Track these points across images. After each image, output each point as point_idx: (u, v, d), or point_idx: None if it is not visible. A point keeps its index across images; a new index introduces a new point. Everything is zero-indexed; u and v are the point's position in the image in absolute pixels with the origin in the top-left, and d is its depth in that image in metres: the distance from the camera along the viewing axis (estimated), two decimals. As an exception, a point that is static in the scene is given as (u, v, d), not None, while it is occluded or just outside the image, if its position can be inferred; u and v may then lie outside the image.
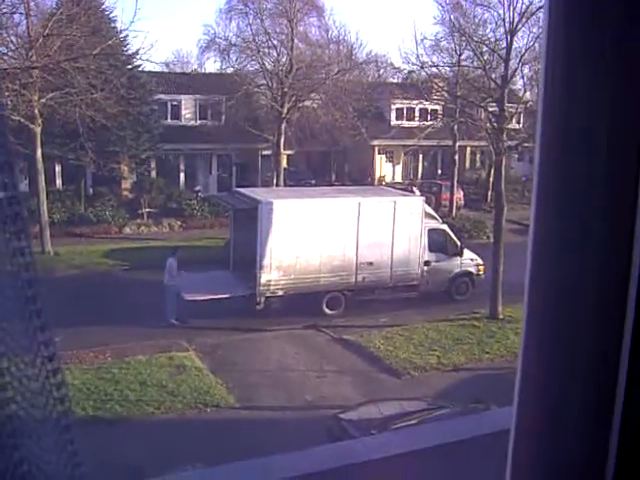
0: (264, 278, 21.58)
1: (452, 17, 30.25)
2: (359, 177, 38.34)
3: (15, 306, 0.82)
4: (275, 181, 33.79)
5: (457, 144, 37.97)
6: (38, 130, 26.88)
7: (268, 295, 21.65)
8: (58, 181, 33.85)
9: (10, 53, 26.65)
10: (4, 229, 0.80)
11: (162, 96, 35.90)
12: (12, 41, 26.61)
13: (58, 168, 33.50)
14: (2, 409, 0.79)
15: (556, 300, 0.97)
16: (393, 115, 42.07)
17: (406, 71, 37.58)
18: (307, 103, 37.30)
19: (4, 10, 25.48)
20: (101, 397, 15.62)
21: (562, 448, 0.99)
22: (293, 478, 2.27)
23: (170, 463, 10.56)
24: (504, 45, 24.65)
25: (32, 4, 26.87)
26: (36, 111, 26.66)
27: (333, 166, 42.11)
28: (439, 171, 44.11)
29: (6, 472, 0.78)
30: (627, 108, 0.91)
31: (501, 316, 21.37)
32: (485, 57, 26.38)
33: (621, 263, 0.92)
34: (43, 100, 26.45)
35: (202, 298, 20.67)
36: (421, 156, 43.86)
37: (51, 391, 0.86)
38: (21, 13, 26.43)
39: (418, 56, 28.80)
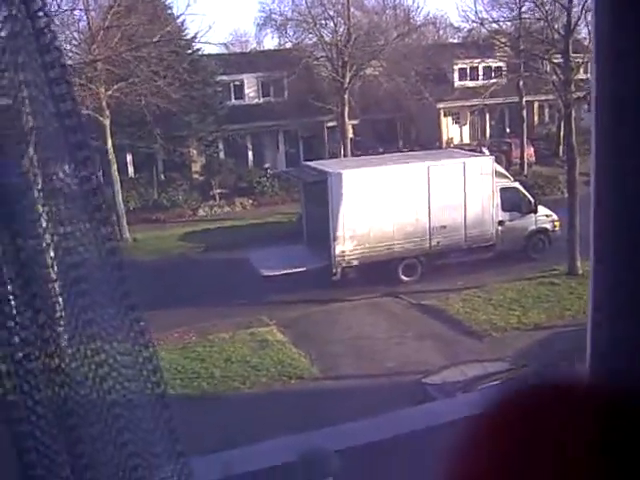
0: (338, 249, 21.67)
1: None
2: (427, 141, 37.90)
3: (106, 288, 0.87)
4: (342, 152, 33.71)
5: (524, 100, 37.18)
6: (107, 122, 27.42)
7: (344, 265, 21.74)
8: (130, 170, 34.48)
9: (74, 49, 27.20)
10: (92, 218, 0.85)
11: (224, 77, 36.06)
12: (75, 37, 27.16)
13: (129, 157, 34.12)
14: (101, 384, 0.84)
15: (620, 252, 0.97)
16: (456, 76, 41.37)
17: (466, 30, 36.98)
18: (368, 71, 37.00)
19: (64, 8, 25.99)
20: (188, 375, 16.01)
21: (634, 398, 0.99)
22: (381, 440, 2.30)
23: (260, 434, 10.76)
24: (565, -6, 23.97)
25: (90, -1, 27.35)
26: (103, 103, 27.19)
27: (400, 132, 41.73)
28: (507, 129, 43.26)
29: (108, 443, 0.84)
30: None
31: (580, 271, 20.91)
32: (546, 7, 25.75)
33: None
34: (109, 92, 26.97)
35: (279, 273, 20.89)
36: (488, 115, 43.06)
37: (148, 376, 0.91)
38: (80, 9, 26.94)
39: (477, 13, 28.48)
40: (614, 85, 0.95)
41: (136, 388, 0.89)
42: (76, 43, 27.16)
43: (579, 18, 23.73)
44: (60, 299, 0.85)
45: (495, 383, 11.70)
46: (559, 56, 24.29)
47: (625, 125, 0.94)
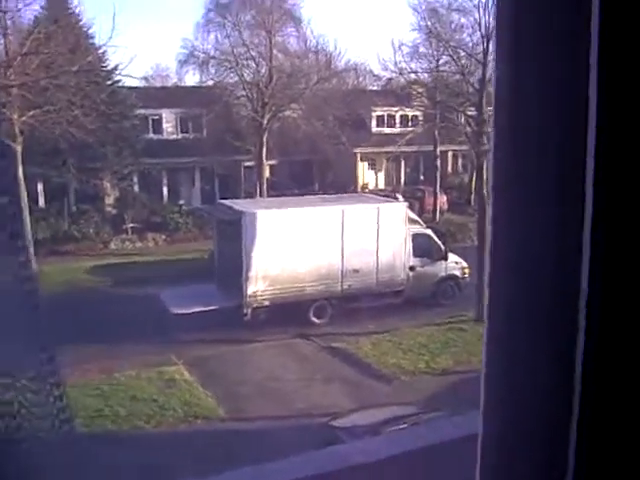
0: (250, 289, 21.59)
1: (428, 23, 30.50)
2: (342, 185, 38.33)
3: (19, 316, 0.86)
4: (258, 192, 33.79)
5: (438, 149, 38.13)
6: (19, 148, 26.75)
7: (255, 306, 21.65)
8: (41, 199, 33.66)
9: (-12, 72, 26.55)
10: (10, 245, 0.84)
11: (143, 111, 35.79)
12: (-11, 60, 26.52)
13: (40, 186, 33.32)
14: (10, 422, 0.82)
15: (514, 303, 1.01)
16: (374, 122, 42.16)
17: (385, 78, 37.75)
18: (288, 113, 37.37)
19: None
20: (90, 414, 15.55)
21: (526, 443, 1.02)
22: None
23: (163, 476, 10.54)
24: (481, 49, 24.84)
25: (9, 22, 26.79)
26: (16, 129, 26.54)
27: (316, 175, 42.11)
28: (422, 177, 44.19)
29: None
30: (573, 105, 0.94)
31: (488, 318, 21.37)
32: (462, 62, 26.59)
33: (572, 256, 0.95)
34: (23, 118, 26.35)
35: (190, 311, 20.64)
36: (403, 162, 43.94)
37: (57, 414, 0.89)
38: (-2, 32, 26.36)
39: (396, 63, 29.05)
40: (511, 135, 0.99)
41: (45, 425, 0.88)
42: (-10, 66, 26.51)
43: (493, 74, 24.59)
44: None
45: (403, 427, 11.77)
46: (473, 109, 25.06)
47: (521, 181, 0.98)
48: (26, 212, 27.45)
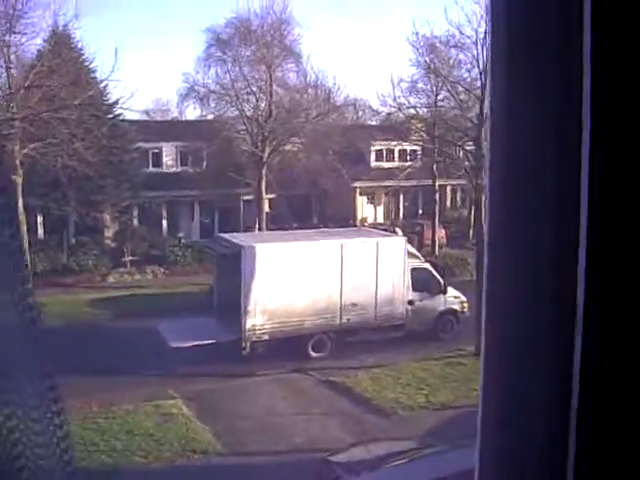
0: (249, 323, 21.54)
1: (427, 59, 30.78)
2: (341, 219, 38.44)
3: (21, 348, 0.87)
4: (257, 225, 33.88)
5: (437, 183, 38.27)
6: (19, 180, 26.85)
7: (254, 340, 21.59)
8: (40, 231, 33.70)
9: (-9, 105, 26.78)
10: (12, 276, 0.85)
11: (143, 144, 35.97)
12: (-8, 94, 26.75)
13: (40, 218, 33.39)
14: (11, 450, 0.83)
15: (511, 333, 1.03)
16: (373, 157, 42.39)
17: (384, 113, 38.06)
18: (287, 147, 37.57)
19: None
20: (87, 447, 15.43)
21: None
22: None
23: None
24: (479, 85, 25.06)
25: (12, 56, 27.06)
26: (17, 162, 26.66)
27: (315, 209, 42.26)
28: (420, 211, 44.33)
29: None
30: (567, 118, 0.96)
31: (487, 353, 21.30)
32: (461, 97, 26.82)
33: (569, 270, 0.97)
34: (24, 150, 26.51)
35: (188, 345, 20.57)
36: (402, 196, 44.11)
37: (58, 443, 0.90)
38: (1, 66, 26.60)
39: (395, 98, 29.30)
40: (505, 149, 1.01)
41: (45, 454, 0.89)
42: (-7, 100, 26.74)
43: (491, 109, 24.77)
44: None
45: (402, 462, 11.68)
46: (471, 143, 25.24)
47: (516, 196, 0.99)
48: (25, 244, 27.49)
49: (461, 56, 29.30)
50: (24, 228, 27.53)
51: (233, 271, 21.80)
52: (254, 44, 36.35)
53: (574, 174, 0.95)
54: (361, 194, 42.34)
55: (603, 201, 0.95)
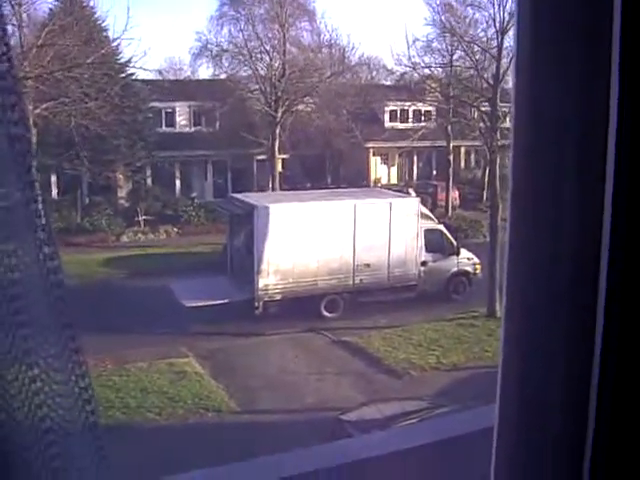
0: (262, 283, 21.64)
1: (443, 18, 30.41)
2: (354, 179, 38.35)
3: (45, 307, 0.89)
4: (271, 185, 33.86)
5: (451, 144, 38.04)
6: (33, 140, 26.84)
7: (266, 299, 21.71)
8: (54, 191, 33.83)
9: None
10: (35, 237, 0.87)
11: (156, 104, 35.89)
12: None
13: (54, 178, 33.48)
14: (36, 412, 0.86)
15: (532, 298, 1.02)
16: (387, 117, 42.12)
17: (399, 73, 37.74)
18: (301, 107, 37.38)
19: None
20: (102, 404, 15.64)
21: (542, 438, 1.03)
22: (292, 477, 2.31)
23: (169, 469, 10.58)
24: (495, 44, 24.77)
25: (24, 15, 26.92)
26: (30, 121, 26.65)
27: (328, 169, 42.13)
28: (434, 172, 44.15)
29: (42, 468, 0.85)
30: (595, 98, 0.94)
31: (499, 314, 21.38)
32: (477, 57, 26.51)
33: (591, 257, 0.96)
34: (37, 110, 26.48)
35: (201, 304, 20.72)
36: (416, 157, 43.91)
37: (83, 406, 0.93)
38: (13, 24, 26.45)
39: (410, 57, 28.98)
40: (530, 134, 1.00)
41: (70, 417, 0.91)
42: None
43: (507, 68, 24.51)
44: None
45: (412, 421, 11.80)
46: (487, 104, 25.00)
47: (540, 173, 0.99)
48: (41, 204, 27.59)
49: (477, 15, 28.96)
50: (37, 188, 27.63)
51: (246, 231, 21.85)
52: (267, 2, 36.04)
53: (598, 171, 0.94)
54: (375, 155, 42.16)
55: (627, 197, 0.93)
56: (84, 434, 0.93)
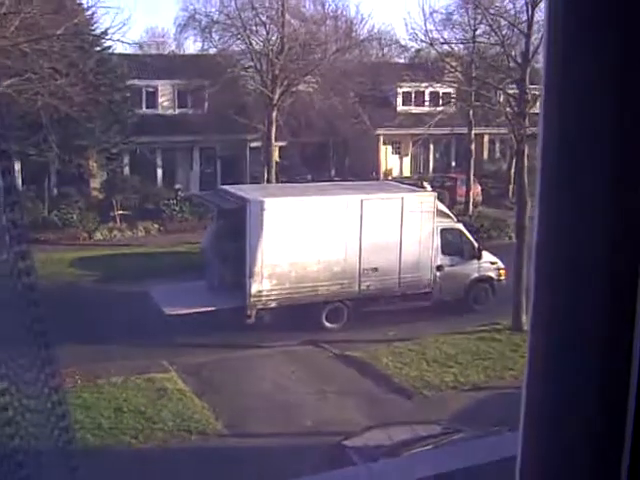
0: (255, 288, 21.62)
1: (465, -13, 30.38)
2: (362, 171, 38.37)
3: (15, 312, 0.90)
4: (266, 177, 33.84)
5: (473, 132, 38.05)
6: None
7: (260, 307, 21.70)
8: (18, 180, 33.82)
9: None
10: (8, 234, 0.88)
11: (136, 81, 35.89)
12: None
13: (18, 165, 33.47)
14: (4, 429, 0.87)
15: (562, 309, 1.01)
16: (399, 100, 42.15)
17: (414, 49, 37.78)
18: (301, 87, 37.37)
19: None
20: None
21: (571, 471, 1.03)
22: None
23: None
24: (525, 18, 24.70)
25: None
26: (-9, 101, 26.66)
27: (332, 159, 42.18)
28: (453, 163, 44.21)
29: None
30: (630, 90, 0.95)
31: (525, 327, 21.30)
32: (503, 32, 26.43)
33: (630, 263, 0.96)
34: (0, 87, 26.48)
35: (184, 312, 20.73)
36: (432, 146, 43.94)
37: (56, 422, 0.94)
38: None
39: (427, 32, 28.86)
40: (561, 119, 1.00)
41: (42, 434, 0.92)
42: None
43: (538, 46, 24.43)
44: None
45: (426, 449, 11.79)
46: (514, 86, 24.97)
47: (574, 167, 0.99)
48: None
49: (504, -16, 28.90)
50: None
51: (237, 229, 21.85)
52: (264, -33, 36.02)
53: (636, 169, 0.95)
54: (385, 143, 42.18)
55: None
56: (57, 453, 0.94)
